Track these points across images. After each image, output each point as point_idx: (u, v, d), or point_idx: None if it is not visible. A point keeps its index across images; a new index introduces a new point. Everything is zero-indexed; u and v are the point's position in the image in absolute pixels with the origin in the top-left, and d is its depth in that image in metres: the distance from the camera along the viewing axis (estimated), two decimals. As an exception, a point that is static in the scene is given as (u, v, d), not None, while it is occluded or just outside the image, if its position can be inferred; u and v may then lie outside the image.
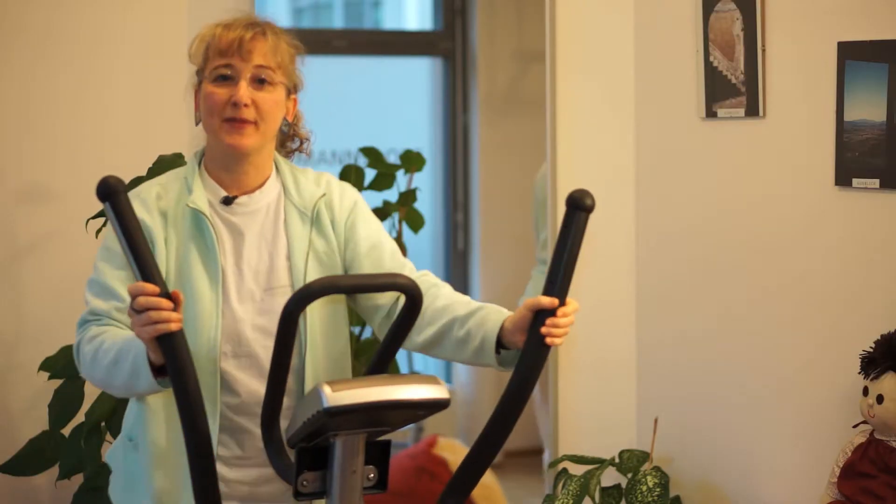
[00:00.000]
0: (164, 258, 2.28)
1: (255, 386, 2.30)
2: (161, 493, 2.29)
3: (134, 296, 2.03)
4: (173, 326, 2.02)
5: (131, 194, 2.31)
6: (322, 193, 2.37)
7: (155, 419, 2.30)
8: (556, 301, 2.12)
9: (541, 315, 2.13)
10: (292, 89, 2.36)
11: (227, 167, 2.33)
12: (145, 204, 2.31)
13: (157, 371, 2.12)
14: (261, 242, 2.32)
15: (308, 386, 2.30)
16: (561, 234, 2.11)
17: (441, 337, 2.30)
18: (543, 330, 2.12)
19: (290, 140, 2.42)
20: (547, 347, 2.13)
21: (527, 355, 2.13)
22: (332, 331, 2.37)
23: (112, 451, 2.43)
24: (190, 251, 2.29)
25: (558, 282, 2.12)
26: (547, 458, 3.88)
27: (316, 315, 2.33)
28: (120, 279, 2.27)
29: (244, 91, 2.26)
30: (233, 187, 2.33)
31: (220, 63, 2.28)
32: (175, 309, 2.04)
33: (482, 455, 2.12)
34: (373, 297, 2.37)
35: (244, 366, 2.29)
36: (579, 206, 2.10)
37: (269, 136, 2.33)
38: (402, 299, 2.11)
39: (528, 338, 2.14)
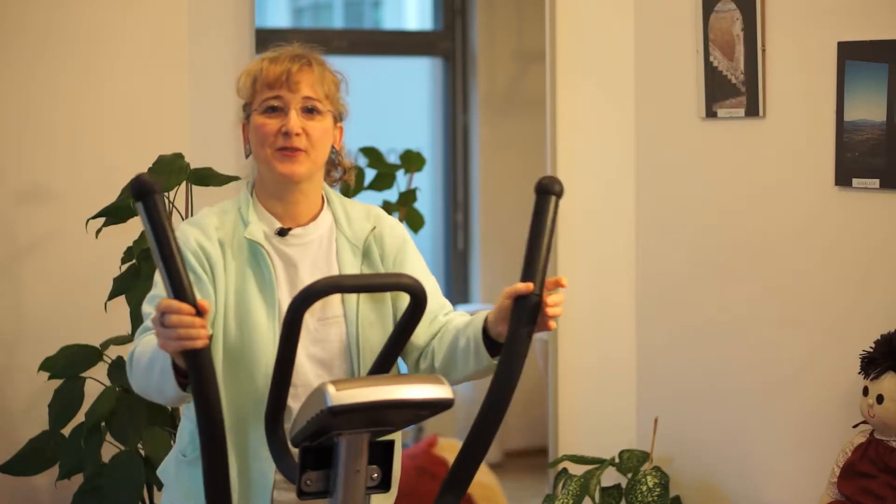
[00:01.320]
0: (224, 285, 2.29)
1: None
2: None
3: (165, 313, 1.99)
4: (199, 344, 1.99)
5: (190, 221, 2.33)
6: (372, 227, 2.40)
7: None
8: (531, 286, 2.13)
9: (520, 301, 2.14)
10: (338, 117, 2.39)
11: (279, 197, 2.35)
12: (206, 232, 2.32)
13: (182, 379, 2.10)
14: (314, 273, 2.34)
15: (364, 365, 2.32)
16: (533, 220, 2.14)
17: (452, 353, 2.33)
18: (549, 311, 2.14)
19: (334, 169, 2.45)
20: (530, 333, 2.14)
21: (510, 342, 2.14)
22: (378, 324, 2.37)
23: (164, 467, 2.42)
24: (248, 282, 2.29)
25: (534, 266, 2.14)
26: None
27: (362, 313, 2.35)
28: None
29: (295, 121, 2.30)
30: (286, 218, 2.36)
31: (270, 95, 2.31)
32: (201, 317, 2.00)
33: (475, 448, 2.12)
34: (413, 338, 2.37)
35: (298, 395, 2.30)
36: (548, 191, 2.14)
37: (320, 164, 2.36)
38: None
39: (510, 325, 2.15)
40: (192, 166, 3.21)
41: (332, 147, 2.38)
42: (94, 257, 3.41)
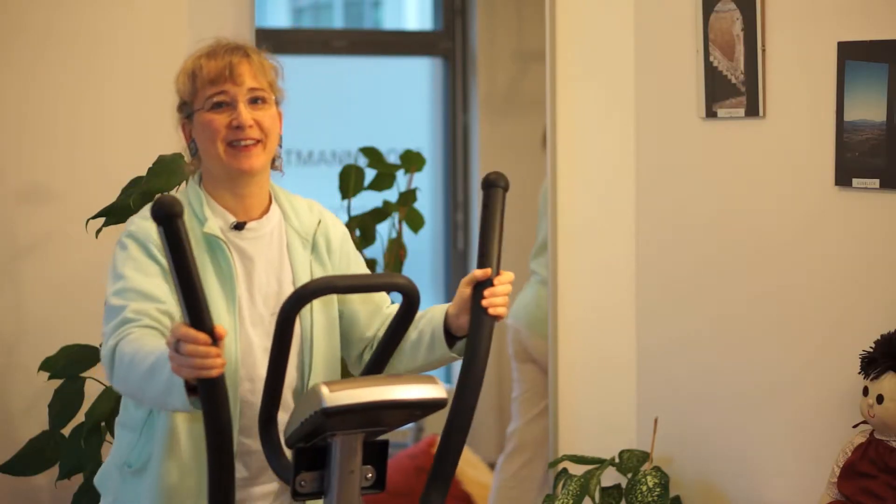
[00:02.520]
0: None
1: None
2: None
3: (182, 341, 1.98)
4: (214, 373, 1.99)
5: (144, 216, 2.32)
6: (318, 220, 2.41)
7: (174, 450, 2.29)
8: (488, 271, 2.19)
9: (479, 287, 2.20)
10: (278, 103, 2.40)
11: (232, 191, 2.35)
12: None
13: (191, 389, 2.08)
14: (268, 267, 2.35)
15: (313, 382, 2.32)
16: (482, 212, 2.23)
17: (399, 346, 2.34)
18: (484, 302, 2.18)
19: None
20: (491, 318, 2.18)
21: (473, 328, 2.18)
22: (331, 332, 2.39)
23: (102, 477, 2.40)
24: (207, 277, 2.29)
25: (489, 254, 2.21)
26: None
27: (317, 316, 2.35)
28: (156, 284, 2.25)
29: (245, 113, 2.30)
30: (239, 212, 2.36)
31: (214, 91, 2.31)
32: (216, 344, 1.99)
33: (452, 441, 2.14)
34: (362, 329, 2.41)
35: (256, 389, 2.30)
36: (494, 185, 2.25)
37: (272, 154, 2.37)
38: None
39: (471, 311, 2.20)
40: (192, 166, 3.21)
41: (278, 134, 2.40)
42: (94, 257, 3.40)
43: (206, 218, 2.32)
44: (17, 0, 3.52)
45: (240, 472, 2.32)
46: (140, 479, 2.31)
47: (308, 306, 2.33)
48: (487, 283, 2.19)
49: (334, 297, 2.41)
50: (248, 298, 2.33)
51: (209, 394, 1.99)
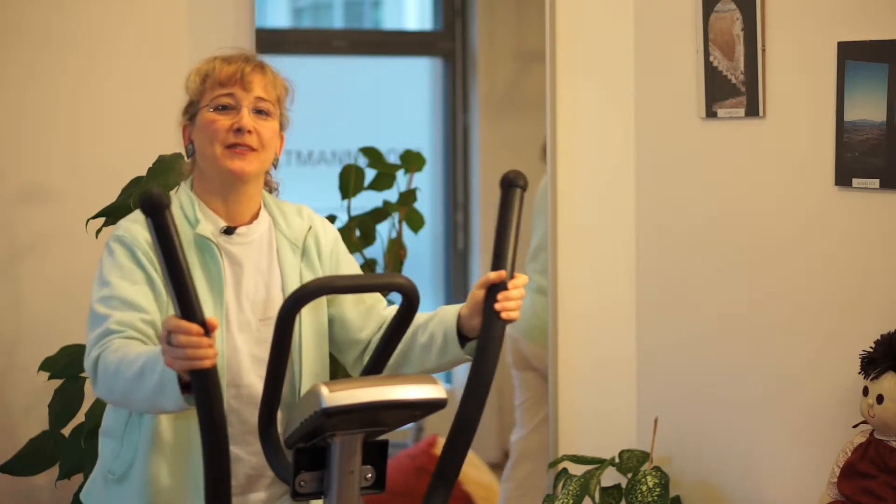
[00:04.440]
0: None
1: (248, 415, 2.31)
2: None
3: (173, 332, 1.98)
4: (207, 364, 1.99)
5: (132, 219, 2.32)
6: (308, 226, 2.41)
7: (157, 457, 2.29)
8: (503, 274, 2.17)
9: (492, 290, 2.18)
10: (282, 126, 2.40)
11: (224, 196, 2.35)
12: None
13: (185, 387, 2.09)
14: (257, 273, 2.35)
15: (303, 391, 2.31)
16: (500, 212, 2.19)
17: (409, 349, 2.33)
18: (497, 305, 2.16)
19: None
20: (503, 322, 2.16)
21: (485, 331, 2.17)
22: (320, 339, 2.39)
23: (88, 491, 2.39)
24: (196, 280, 2.27)
25: (504, 256, 2.18)
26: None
27: (306, 323, 2.35)
28: (141, 293, 2.25)
29: (248, 118, 2.30)
30: (228, 217, 2.36)
31: (222, 93, 2.32)
32: (208, 335, 1.99)
33: (457, 444, 2.13)
34: (352, 332, 2.40)
35: (241, 395, 2.30)
36: (512, 184, 2.21)
37: (266, 166, 2.38)
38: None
39: (483, 314, 2.19)
40: (192, 166, 3.21)
41: (275, 154, 2.40)
42: (94, 257, 3.39)
43: (197, 220, 2.32)
44: (17, 0, 3.52)
45: None
46: (123, 486, 2.31)
47: (297, 316, 2.32)
48: (501, 286, 2.17)
49: (324, 303, 2.40)
50: (236, 303, 2.33)
51: (203, 386, 1.99)
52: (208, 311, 2.27)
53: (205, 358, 1.98)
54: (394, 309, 2.36)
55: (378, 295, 2.45)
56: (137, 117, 3.62)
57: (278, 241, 2.38)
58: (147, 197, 1.95)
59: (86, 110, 3.59)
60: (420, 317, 2.34)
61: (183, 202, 2.35)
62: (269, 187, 2.46)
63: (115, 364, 2.17)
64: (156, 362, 2.09)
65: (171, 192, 2.40)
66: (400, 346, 2.32)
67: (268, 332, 2.27)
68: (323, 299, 2.40)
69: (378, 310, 2.43)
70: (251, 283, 2.34)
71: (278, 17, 5.17)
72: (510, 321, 2.18)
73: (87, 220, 3.21)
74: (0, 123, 3.52)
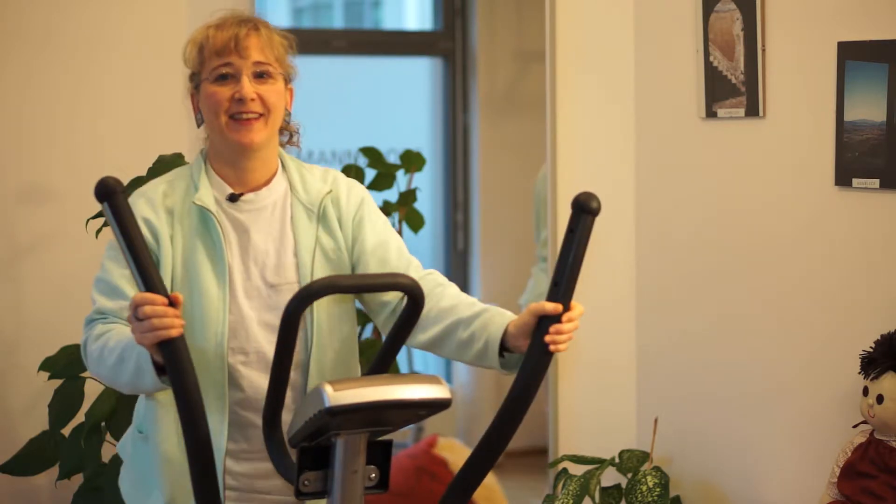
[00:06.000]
0: (171, 256, 2.29)
1: (260, 381, 2.30)
2: (173, 491, 2.30)
3: (139, 306, 2.03)
4: (174, 332, 2.03)
5: (139, 192, 2.34)
6: (328, 190, 2.38)
7: (165, 417, 2.31)
8: (559, 307, 2.09)
9: (545, 321, 2.10)
10: (288, 79, 2.38)
11: (233, 164, 2.35)
12: (151, 202, 2.32)
13: (161, 370, 2.12)
14: (267, 239, 2.34)
15: (312, 382, 2.31)
16: (566, 237, 2.08)
17: (445, 337, 2.30)
18: (548, 338, 2.10)
19: (280, 134, 2.43)
20: (550, 354, 2.10)
21: (530, 361, 2.11)
22: (339, 328, 2.37)
23: (122, 443, 2.44)
24: (196, 248, 2.30)
25: (563, 286, 2.09)
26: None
27: (323, 311, 2.34)
28: (126, 277, 2.28)
29: (248, 87, 2.29)
30: (238, 184, 2.35)
31: (219, 63, 2.30)
32: (174, 307, 2.04)
33: (484, 459, 2.12)
34: (379, 295, 2.37)
35: (250, 361, 2.30)
36: (585, 209, 2.08)
37: (276, 129, 2.35)
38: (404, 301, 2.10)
39: (531, 344, 2.12)
40: (192, 166, 3.21)
41: (286, 109, 2.38)
42: (94, 257, 3.38)
43: (199, 188, 2.33)
44: (17, 0, 3.52)
45: (240, 443, 2.32)
46: (147, 445, 2.34)
47: (308, 272, 2.32)
48: (555, 318, 2.10)
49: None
50: (243, 270, 2.32)
51: (171, 357, 2.03)
52: (210, 279, 2.28)
53: (171, 327, 2.02)
54: (449, 286, 2.32)
55: (409, 257, 2.39)
56: (137, 117, 3.62)
57: (293, 206, 2.37)
58: (100, 183, 2.00)
59: (86, 110, 3.59)
60: (463, 305, 2.28)
61: (193, 169, 2.36)
62: (290, 133, 2.44)
63: (97, 351, 2.23)
64: (133, 348, 2.14)
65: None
66: (438, 330, 2.28)
67: (278, 299, 2.29)
68: (347, 265, 2.37)
69: (410, 274, 2.35)
70: (260, 249, 2.33)
71: (278, 17, 5.17)
72: (557, 352, 2.14)
73: (87, 220, 3.21)
74: (0, 123, 3.52)
